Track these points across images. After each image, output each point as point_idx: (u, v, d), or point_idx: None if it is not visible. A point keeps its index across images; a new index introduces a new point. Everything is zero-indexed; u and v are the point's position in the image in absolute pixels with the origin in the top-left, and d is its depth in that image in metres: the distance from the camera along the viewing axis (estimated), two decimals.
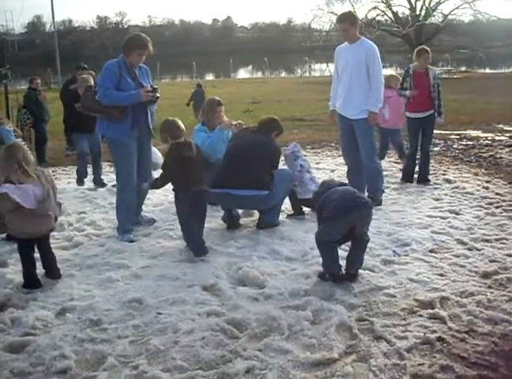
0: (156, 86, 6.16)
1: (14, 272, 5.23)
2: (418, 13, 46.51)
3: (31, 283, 4.97)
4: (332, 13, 47.76)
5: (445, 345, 3.87)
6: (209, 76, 52.89)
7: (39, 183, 4.87)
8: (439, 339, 3.93)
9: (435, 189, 8.07)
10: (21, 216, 4.87)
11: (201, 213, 5.84)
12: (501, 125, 14.12)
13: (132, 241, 6.08)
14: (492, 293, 4.62)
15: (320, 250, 4.97)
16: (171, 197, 7.56)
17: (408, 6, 47.31)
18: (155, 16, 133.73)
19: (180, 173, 5.60)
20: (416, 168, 8.65)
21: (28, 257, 5.07)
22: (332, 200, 4.87)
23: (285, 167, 6.85)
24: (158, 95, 6.10)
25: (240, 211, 6.65)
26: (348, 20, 7.14)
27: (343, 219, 4.80)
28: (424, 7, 46.75)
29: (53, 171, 9.95)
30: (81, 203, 7.70)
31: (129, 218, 6.30)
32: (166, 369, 3.66)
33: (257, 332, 4.08)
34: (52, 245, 5.94)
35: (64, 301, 4.63)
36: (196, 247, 5.63)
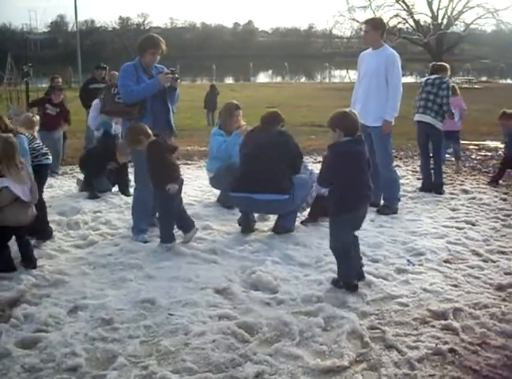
0: (173, 68, 6.23)
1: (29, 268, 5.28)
2: (440, 21, 46.39)
3: (9, 267, 5.21)
4: (353, 19, 47.90)
5: (457, 357, 3.83)
6: (229, 80, 53.11)
7: (27, 175, 5.21)
8: (451, 350, 3.89)
9: (452, 199, 8.01)
10: (17, 207, 5.15)
11: (180, 200, 6.09)
12: None
13: (146, 241, 6.10)
14: (506, 306, 4.56)
15: (337, 259, 4.92)
16: (187, 199, 7.61)
17: (430, 15, 47.24)
18: (176, 18, 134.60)
19: (168, 166, 5.78)
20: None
21: (6, 244, 5.31)
22: (339, 184, 4.77)
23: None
24: (177, 76, 6.15)
25: (256, 215, 6.64)
26: (370, 23, 7.25)
27: (352, 214, 4.79)
28: (446, 16, 46.65)
29: (70, 170, 10.07)
30: (97, 202, 7.73)
31: (145, 218, 6.32)
32: (176, 370, 3.66)
33: (268, 337, 4.07)
34: (67, 244, 6.06)
35: (76, 299, 4.64)
36: (168, 235, 5.90)
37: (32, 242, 5.92)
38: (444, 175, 9.26)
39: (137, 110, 6.06)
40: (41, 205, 6.14)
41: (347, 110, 5.09)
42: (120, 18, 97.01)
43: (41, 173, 6.04)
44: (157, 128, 6.11)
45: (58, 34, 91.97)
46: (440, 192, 8.29)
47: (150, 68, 6.19)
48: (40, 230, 6.07)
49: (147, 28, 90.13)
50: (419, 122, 8.51)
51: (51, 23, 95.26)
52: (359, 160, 4.79)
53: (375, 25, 7.16)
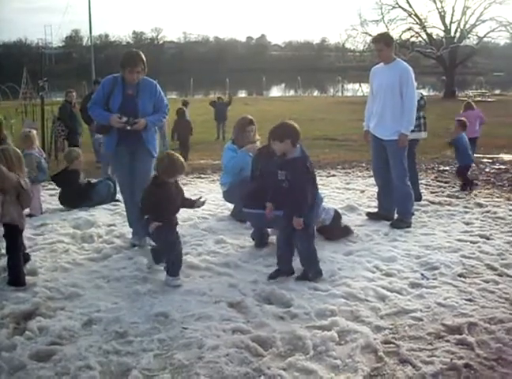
0: (135, 121, 6.01)
1: (43, 281, 5.31)
2: (452, 35, 46.23)
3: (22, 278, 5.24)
4: (366, 33, 47.84)
5: (472, 372, 3.80)
6: (242, 94, 53.27)
7: None
8: (467, 365, 3.86)
9: (466, 212, 7.97)
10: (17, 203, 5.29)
11: None
12: None
13: (134, 245, 6.31)
14: None
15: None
16: (201, 212, 7.63)
17: (443, 28, 47.09)
18: (190, 32, 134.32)
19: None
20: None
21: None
22: None
23: None
24: (129, 128, 6.00)
25: (269, 229, 6.63)
26: (382, 40, 7.21)
27: None
28: (459, 29, 46.49)
29: None
30: (111, 215, 7.78)
31: (129, 218, 6.61)
32: None
33: (281, 351, 4.06)
34: (81, 257, 6.10)
35: (91, 312, 4.66)
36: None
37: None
38: (458, 189, 9.31)
39: (99, 126, 6.38)
40: None
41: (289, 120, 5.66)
42: (134, 33, 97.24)
43: None
44: (126, 145, 6.21)
45: (73, 48, 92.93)
46: None
47: (131, 84, 6.15)
48: None
49: (161, 42, 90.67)
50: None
51: (66, 37, 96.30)
52: None
53: (387, 42, 7.18)
